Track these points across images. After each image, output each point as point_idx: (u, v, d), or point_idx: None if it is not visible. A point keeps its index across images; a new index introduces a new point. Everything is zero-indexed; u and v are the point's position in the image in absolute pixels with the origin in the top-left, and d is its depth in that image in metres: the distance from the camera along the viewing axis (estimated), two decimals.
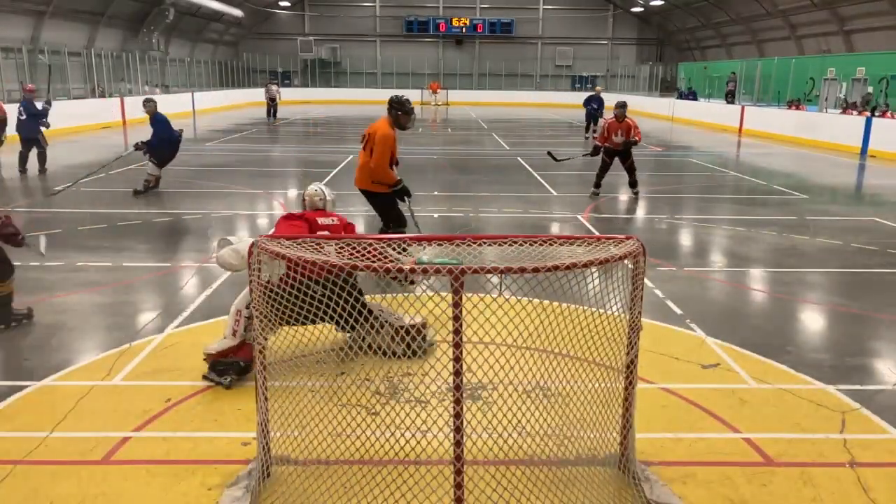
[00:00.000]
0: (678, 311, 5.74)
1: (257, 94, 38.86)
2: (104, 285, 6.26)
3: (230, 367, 4.19)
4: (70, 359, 4.63)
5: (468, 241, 3.10)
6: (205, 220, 9.11)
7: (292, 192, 11.81)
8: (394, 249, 3.08)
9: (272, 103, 27.11)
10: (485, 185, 12.34)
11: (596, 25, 43.10)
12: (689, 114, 28.94)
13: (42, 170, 12.69)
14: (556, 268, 2.67)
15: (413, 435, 3.18)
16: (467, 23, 42.51)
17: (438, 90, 39.00)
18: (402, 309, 4.73)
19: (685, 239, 8.81)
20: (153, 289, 6.26)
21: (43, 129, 12.61)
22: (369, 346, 4.35)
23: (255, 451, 3.33)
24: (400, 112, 6.49)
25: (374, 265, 2.67)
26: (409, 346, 4.36)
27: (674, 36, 41.90)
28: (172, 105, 23.43)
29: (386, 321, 4.34)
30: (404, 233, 6.49)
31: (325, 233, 4.53)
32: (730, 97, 27.60)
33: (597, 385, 3.11)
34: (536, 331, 3.02)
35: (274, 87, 27.72)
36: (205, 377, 4.23)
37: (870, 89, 20.52)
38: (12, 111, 12.63)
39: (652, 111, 32.32)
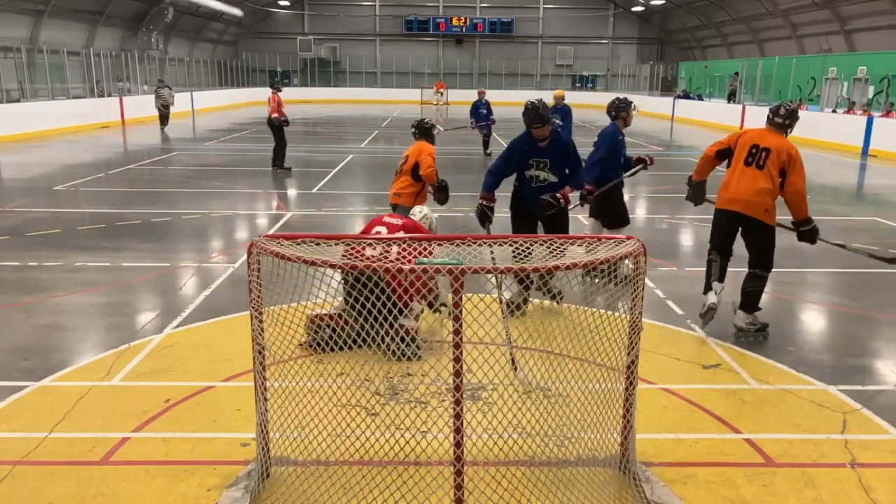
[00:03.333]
0: (679, 311, 5.73)
1: (257, 94, 38.88)
2: (103, 285, 6.25)
3: (322, 327, 4.61)
4: (69, 359, 4.62)
5: (468, 240, 3.09)
6: (204, 220, 9.09)
7: (291, 192, 11.80)
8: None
9: (165, 110, 21.84)
10: None
11: (596, 24, 43.08)
12: (689, 113, 28.91)
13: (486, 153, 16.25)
14: (557, 268, 2.66)
15: (413, 436, 3.17)
16: (467, 22, 42.49)
17: (443, 89, 38.96)
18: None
19: (686, 239, 8.79)
20: (152, 289, 6.25)
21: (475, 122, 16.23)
22: (372, 344, 4.41)
23: (254, 452, 3.32)
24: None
25: (374, 264, 2.67)
26: (399, 347, 4.38)
27: (674, 35, 41.89)
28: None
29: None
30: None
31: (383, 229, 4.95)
32: (732, 97, 27.60)
33: (597, 385, 3.10)
34: (537, 331, 3.02)
35: (166, 92, 22.13)
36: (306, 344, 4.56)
37: (870, 94, 20.51)
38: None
39: (652, 111, 32.30)
